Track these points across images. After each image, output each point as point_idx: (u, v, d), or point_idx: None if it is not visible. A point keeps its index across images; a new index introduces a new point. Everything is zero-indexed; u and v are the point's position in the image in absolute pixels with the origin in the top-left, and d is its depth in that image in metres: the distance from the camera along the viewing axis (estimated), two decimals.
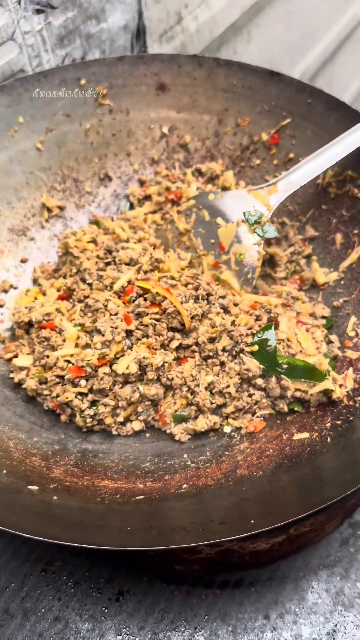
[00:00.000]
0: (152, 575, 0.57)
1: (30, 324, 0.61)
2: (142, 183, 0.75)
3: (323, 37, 1.60)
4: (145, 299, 0.58)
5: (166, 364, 0.55)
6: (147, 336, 0.57)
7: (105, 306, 0.58)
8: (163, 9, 0.96)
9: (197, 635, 0.54)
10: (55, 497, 0.46)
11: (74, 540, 0.38)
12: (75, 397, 0.55)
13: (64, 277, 0.64)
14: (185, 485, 0.49)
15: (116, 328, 0.56)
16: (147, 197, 0.73)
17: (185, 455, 0.55)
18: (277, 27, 1.37)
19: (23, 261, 0.69)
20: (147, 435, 0.57)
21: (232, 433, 0.56)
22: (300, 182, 0.64)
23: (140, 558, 0.56)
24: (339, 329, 0.62)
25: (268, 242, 0.66)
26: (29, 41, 0.75)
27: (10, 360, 0.61)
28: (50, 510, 0.44)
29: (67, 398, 0.55)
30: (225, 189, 0.71)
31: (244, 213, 0.63)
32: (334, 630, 0.54)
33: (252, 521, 0.40)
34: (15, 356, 0.60)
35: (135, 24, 0.91)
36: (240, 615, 0.55)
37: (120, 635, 0.54)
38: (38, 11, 0.74)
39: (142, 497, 0.48)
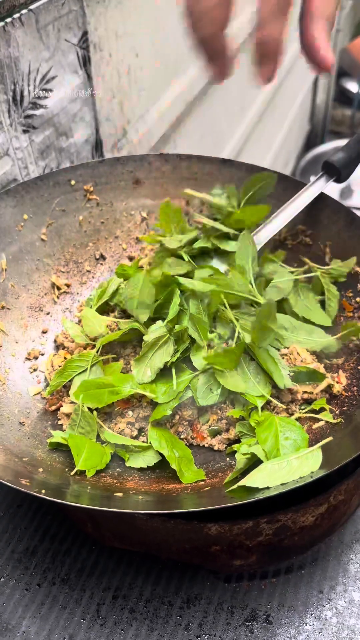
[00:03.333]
0: (212, 578, 0.64)
1: None
2: (131, 259, 0.89)
3: (230, 140, 1.90)
4: None
5: None
6: None
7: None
8: (112, 125, 1.15)
9: (269, 619, 0.61)
10: (140, 497, 0.54)
11: (194, 506, 0.47)
12: (126, 426, 0.64)
13: None
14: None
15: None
16: (140, 267, 0.86)
17: (227, 459, 0.64)
18: (194, 135, 1.63)
19: (44, 332, 0.79)
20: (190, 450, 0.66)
21: None
22: (266, 238, 0.80)
23: (203, 560, 0.63)
24: None
25: None
26: (19, 155, 0.90)
27: (55, 411, 0.69)
28: (144, 502, 0.52)
29: (119, 428, 0.64)
30: None
31: (228, 265, 0.78)
32: None
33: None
34: (60, 407, 0.69)
35: (94, 138, 1.09)
36: (299, 595, 0.63)
37: (201, 635, 0.60)
38: (24, 131, 0.90)
39: (209, 488, 0.57)
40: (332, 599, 0.63)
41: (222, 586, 0.64)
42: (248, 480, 0.52)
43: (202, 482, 0.59)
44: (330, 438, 0.55)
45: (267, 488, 0.51)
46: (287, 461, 0.53)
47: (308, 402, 0.68)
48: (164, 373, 0.64)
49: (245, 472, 0.58)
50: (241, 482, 0.52)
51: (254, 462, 0.58)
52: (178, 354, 0.64)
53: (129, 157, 0.89)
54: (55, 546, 0.67)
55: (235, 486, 0.52)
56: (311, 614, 0.62)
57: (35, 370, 0.74)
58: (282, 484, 0.51)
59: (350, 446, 0.54)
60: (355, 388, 0.67)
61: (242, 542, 0.60)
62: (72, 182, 0.86)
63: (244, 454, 0.57)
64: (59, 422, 0.68)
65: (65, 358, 0.73)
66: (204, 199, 0.84)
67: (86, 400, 0.61)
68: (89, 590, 0.64)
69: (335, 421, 0.62)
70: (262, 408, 0.64)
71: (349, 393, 0.67)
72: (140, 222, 0.90)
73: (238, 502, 0.48)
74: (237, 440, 0.66)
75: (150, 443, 0.61)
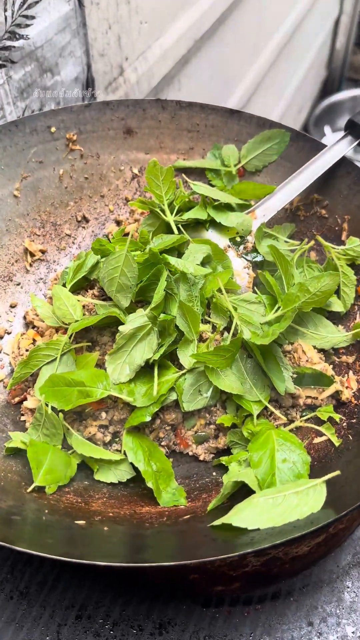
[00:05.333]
0: (190, 602, 0.57)
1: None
2: (118, 223, 0.77)
3: (241, 82, 1.74)
4: None
5: None
6: None
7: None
8: (108, 62, 1.01)
9: None
10: (105, 528, 0.45)
11: (167, 551, 0.38)
12: (98, 430, 0.55)
13: None
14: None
15: None
16: (126, 235, 0.75)
17: (214, 473, 0.56)
18: (202, 76, 1.47)
19: (12, 306, 0.68)
20: (171, 460, 0.57)
21: None
22: (276, 208, 0.69)
23: (179, 585, 0.55)
24: None
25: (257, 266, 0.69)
26: None
27: (19, 403, 0.60)
28: (109, 539, 0.43)
29: (90, 433, 0.55)
30: None
31: (230, 239, 0.67)
32: None
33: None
34: (24, 399, 0.59)
35: (84, 76, 0.95)
36: (285, 626, 0.56)
37: None
38: (1, 66, 0.77)
39: (189, 516, 0.48)
40: (322, 633, 0.56)
41: (200, 611, 0.57)
42: (235, 518, 0.43)
43: (183, 507, 0.50)
44: (337, 472, 0.46)
45: (257, 530, 0.42)
46: (284, 496, 0.44)
47: (312, 407, 0.59)
48: (145, 369, 0.55)
49: (232, 496, 0.49)
50: (227, 519, 0.43)
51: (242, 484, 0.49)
52: (162, 350, 0.54)
53: (120, 101, 0.76)
54: (14, 555, 0.60)
55: (219, 522, 0.44)
56: None
57: None
58: (274, 528, 0.42)
59: None
60: None
61: (224, 572, 0.52)
62: (53, 129, 0.74)
63: (232, 479, 0.48)
64: (22, 418, 0.58)
65: (34, 340, 0.64)
66: (199, 167, 0.73)
67: (50, 399, 0.52)
68: (50, 607, 0.57)
69: (338, 442, 0.53)
70: (259, 415, 0.55)
71: (359, 402, 0.58)
72: (130, 179, 0.78)
73: (219, 555, 0.39)
74: (227, 450, 0.57)
75: (124, 453, 0.52)
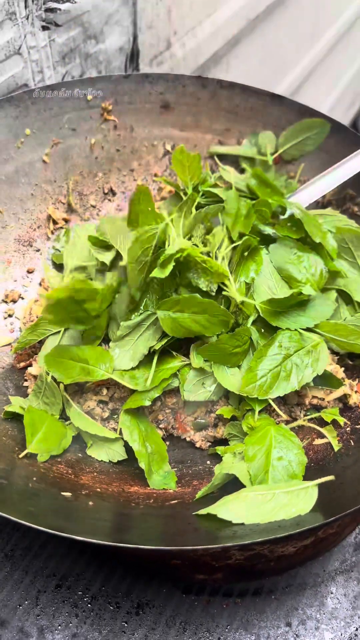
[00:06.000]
0: (170, 585, 0.57)
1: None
2: None
3: (293, 69, 1.69)
4: None
5: None
6: None
7: None
8: (155, 35, 0.99)
9: None
10: (90, 503, 0.45)
11: (149, 535, 0.38)
12: (97, 405, 0.55)
13: None
14: None
15: None
16: None
17: (208, 462, 0.55)
18: (253, 59, 1.43)
19: (30, 272, 0.68)
20: (167, 443, 0.56)
21: None
22: (306, 202, 0.67)
23: (161, 568, 0.55)
24: None
25: None
26: (33, 57, 0.76)
27: (23, 369, 0.60)
28: (92, 514, 0.43)
29: (89, 407, 0.54)
30: None
31: None
32: (356, 635, 0.54)
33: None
34: (29, 365, 0.59)
35: (130, 47, 0.93)
36: (263, 623, 0.55)
37: None
38: (44, 28, 0.75)
39: (176, 501, 0.48)
40: (299, 635, 0.55)
41: (179, 597, 0.56)
42: (221, 510, 0.42)
43: (171, 491, 0.50)
44: (332, 477, 0.44)
45: (242, 524, 0.41)
46: (274, 494, 0.43)
47: (317, 408, 0.58)
48: (150, 356, 0.54)
49: (223, 487, 0.49)
50: (212, 509, 0.43)
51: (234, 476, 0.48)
52: (165, 340, 0.53)
53: (160, 75, 0.75)
54: (2, 517, 0.60)
55: (204, 511, 0.43)
56: None
57: (10, 315, 0.64)
58: (259, 525, 0.41)
59: (354, 490, 0.44)
60: None
61: (207, 562, 0.51)
62: (89, 97, 0.73)
63: (223, 471, 0.47)
64: (25, 384, 0.58)
65: None
66: (234, 153, 0.71)
67: (52, 369, 0.51)
68: (32, 573, 0.57)
69: (338, 447, 0.52)
70: (261, 410, 0.54)
71: None
72: (162, 156, 0.77)
73: (199, 545, 0.38)
74: (225, 440, 0.56)
75: (120, 432, 0.52)
